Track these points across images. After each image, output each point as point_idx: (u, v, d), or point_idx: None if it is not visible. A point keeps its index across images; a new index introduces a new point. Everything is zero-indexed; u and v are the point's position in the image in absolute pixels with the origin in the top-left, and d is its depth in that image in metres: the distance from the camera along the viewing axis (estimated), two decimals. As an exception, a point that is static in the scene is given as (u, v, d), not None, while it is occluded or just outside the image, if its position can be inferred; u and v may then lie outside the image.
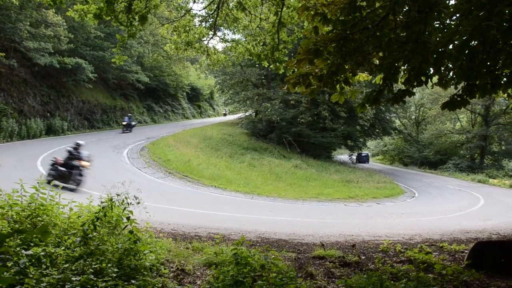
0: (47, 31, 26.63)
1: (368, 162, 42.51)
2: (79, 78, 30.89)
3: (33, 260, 4.29)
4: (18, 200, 5.81)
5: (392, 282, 5.53)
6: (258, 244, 8.39)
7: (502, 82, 5.62)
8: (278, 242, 8.90)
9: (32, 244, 4.82)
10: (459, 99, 5.55)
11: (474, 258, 6.65)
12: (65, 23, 28.06)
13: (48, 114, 28.57)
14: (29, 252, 4.32)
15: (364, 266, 6.80)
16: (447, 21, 5.75)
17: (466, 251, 7.63)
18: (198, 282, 5.39)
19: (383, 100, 6.01)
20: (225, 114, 64.21)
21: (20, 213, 5.48)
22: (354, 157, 43.88)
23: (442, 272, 6.22)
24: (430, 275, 6.08)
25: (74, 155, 13.85)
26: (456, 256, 7.87)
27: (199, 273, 5.79)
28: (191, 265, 6.01)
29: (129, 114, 35.40)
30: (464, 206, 19.93)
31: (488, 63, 5.23)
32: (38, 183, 5.95)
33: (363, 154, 41.52)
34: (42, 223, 5.60)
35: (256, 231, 10.20)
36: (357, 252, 7.92)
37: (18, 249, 4.40)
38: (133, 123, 33.84)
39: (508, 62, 5.33)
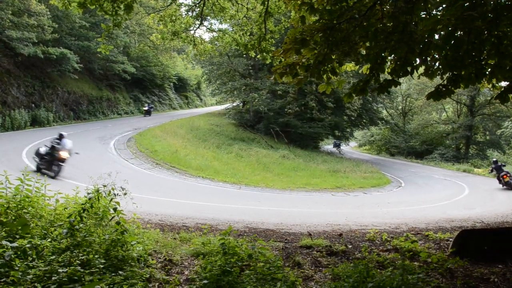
0: (30, 20, 26.13)
1: (340, 147, 45.91)
2: (64, 68, 30.45)
3: (19, 252, 4.25)
4: (3, 192, 5.75)
5: (378, 270, 5.61)
6: (245, 234, 8.43)
7: (486, 72, 5.67)
8: (266, 232, 8.94)
9: (17, 236, 4.78)
10: (444, 89, 5.60)
11: (458, 246, 6.75)
12: (48, 12, 27.57)
13: (33, 105, 28.16)
14: (15, 244, 4.28)
15: (351, 255, 6.87)
16: (434, 12, 5.77)
17: (451, 239, 7.75)
18: (186, 272, 5.40)
19: (369, 90, 6.03)
20: (147, 112, 39.42)
21: (5, 205, 5.42)
22: (332, 146, 45.50)
23: (427, 260, 6.32)
24: (415, 263, 6.18)
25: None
26: (441, 244, 7.99)
27: (186, 263, 5.80)
28: (179, 256, 6.02)
29: None
30: (450, 195, 20.20)
31: (473, 54, 5.27)
32: (23, 174, 5.89)
33: (337, 143, 44.81)
34: (27, 214, 5.55)
35: (243, 221, 10.23)
36: (344, 241, 7.99)
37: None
38: None
39: (493, 53, 5.38)
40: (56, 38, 29.66)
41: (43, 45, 27.96)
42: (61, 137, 14.25)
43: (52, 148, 13.93)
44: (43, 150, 14.05)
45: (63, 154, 13.89)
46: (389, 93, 6.10)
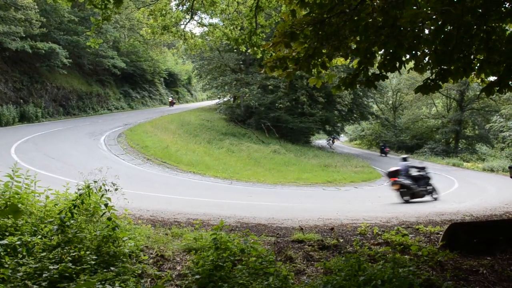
0: (18, 14, 25.79)
1: (331, 141, 46.97)
2: (53, 63, 30.13)
3: (9, 250, 4.22)
4: (-8, 188, 5.69)
5: (369, 263, 5.64)
6: (237, 229, 8.43)
7: (475, 67, 5.72)
8: (258, 227, 8.95)
9: (7, 234, 4.73)
10: (432, 83, 5.64)
11: (448, 239, 6.81)
12: (36, 6, 27.22)
13: (21, 100, 27.85)
14: (4, 241, 4.25)
15: (343, 248, 6.90)
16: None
17: (441, 233, 7.81)
18: (178, 268, 5.40)
19: (357, 84, 6.05)
20: None
21: (-6, 202, 5.37)
22: (331, 142, 45.48)
23: (418, 253, 6.37)
24: (406, 256, 6.22)
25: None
26: (432, 237, 8.05)
27: (178, 259, 5.79)
28: (171, 251, 6.01)
29: None
30: (439, 189, 20.34)
31: (462, 48, 5.31)
32: (12, 171, 5.83)
33: (332, 137, 46.01)
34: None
35: (235, 216, 10.23)
36: (335, 235, 8.03)
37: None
38: None
39: (482, 48, 5.42)
40: (45, 33, 29.30)
41: (31, 40, 27.62)
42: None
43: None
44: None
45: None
46: (375, 88, 6.11)
